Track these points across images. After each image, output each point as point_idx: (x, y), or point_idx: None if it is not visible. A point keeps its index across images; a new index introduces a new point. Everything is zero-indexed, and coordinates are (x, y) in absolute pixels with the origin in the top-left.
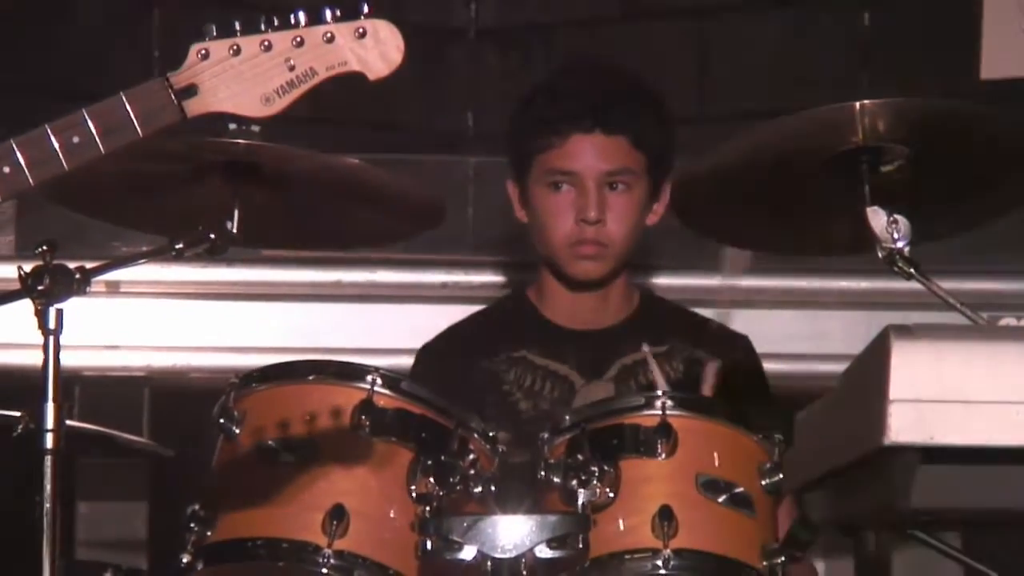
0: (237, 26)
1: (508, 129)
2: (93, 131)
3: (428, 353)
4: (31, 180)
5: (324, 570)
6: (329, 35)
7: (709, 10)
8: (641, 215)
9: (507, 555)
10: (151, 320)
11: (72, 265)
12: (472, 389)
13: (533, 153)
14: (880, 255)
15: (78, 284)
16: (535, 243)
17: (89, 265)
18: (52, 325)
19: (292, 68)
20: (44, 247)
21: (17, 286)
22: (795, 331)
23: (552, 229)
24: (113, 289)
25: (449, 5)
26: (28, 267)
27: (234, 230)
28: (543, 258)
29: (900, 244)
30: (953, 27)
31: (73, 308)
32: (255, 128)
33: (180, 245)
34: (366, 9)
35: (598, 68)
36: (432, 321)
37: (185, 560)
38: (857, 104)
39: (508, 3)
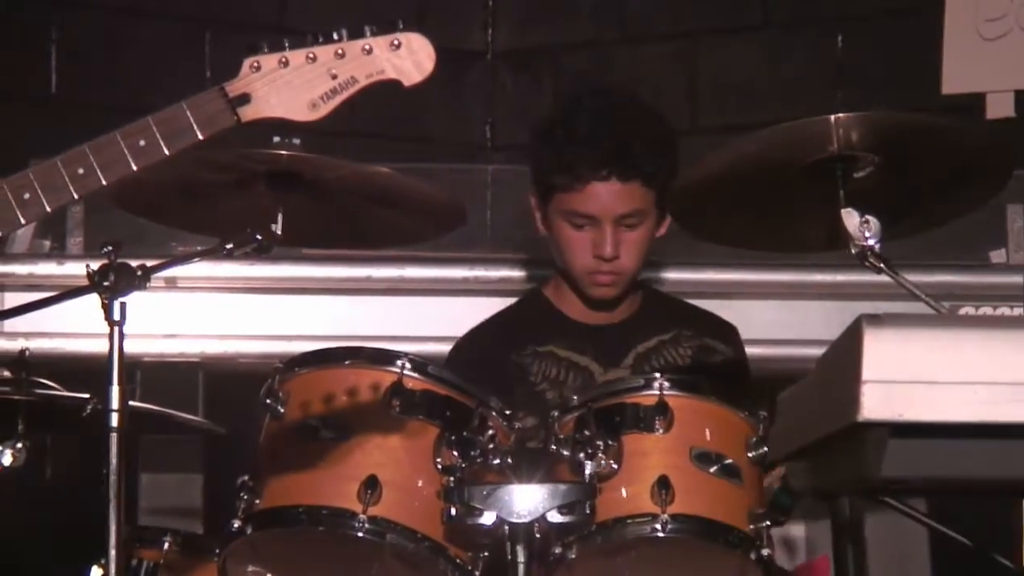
0: (286, 43)
1: (529, 153)
2: (158, 135)
3: (460, 352)
4: (103, 179)
5: (360, 534)
6: (367, 47)
7: (698, 34)
8: (651, 240)
9: (522, 520)
10: (204, 312)
11: (134, 263)
12: (502, 381)
13: (553, 189)
14: (853, 251)
15: (139, 280)
16: (554, 257)
17: (149, 263)
18: (116, 316)
19: (335, 77)
20: (109, 247)
21: (86, 282)
22: (778, 319)
23: (571, 259)
24: (171, 284)
25: (468, 31)
26: (95, 265)
27: (278, 231)
28: (561, 269)
29: (871, 242)
30: (918, 48)
31: (135, 301)
32: (296, 141)
33: (230, 245)
34: (401, 24)
35: (613, 106)
36: (455, 312)
37: (236, 525)
38: (832, 117)
39: (520, 29)
